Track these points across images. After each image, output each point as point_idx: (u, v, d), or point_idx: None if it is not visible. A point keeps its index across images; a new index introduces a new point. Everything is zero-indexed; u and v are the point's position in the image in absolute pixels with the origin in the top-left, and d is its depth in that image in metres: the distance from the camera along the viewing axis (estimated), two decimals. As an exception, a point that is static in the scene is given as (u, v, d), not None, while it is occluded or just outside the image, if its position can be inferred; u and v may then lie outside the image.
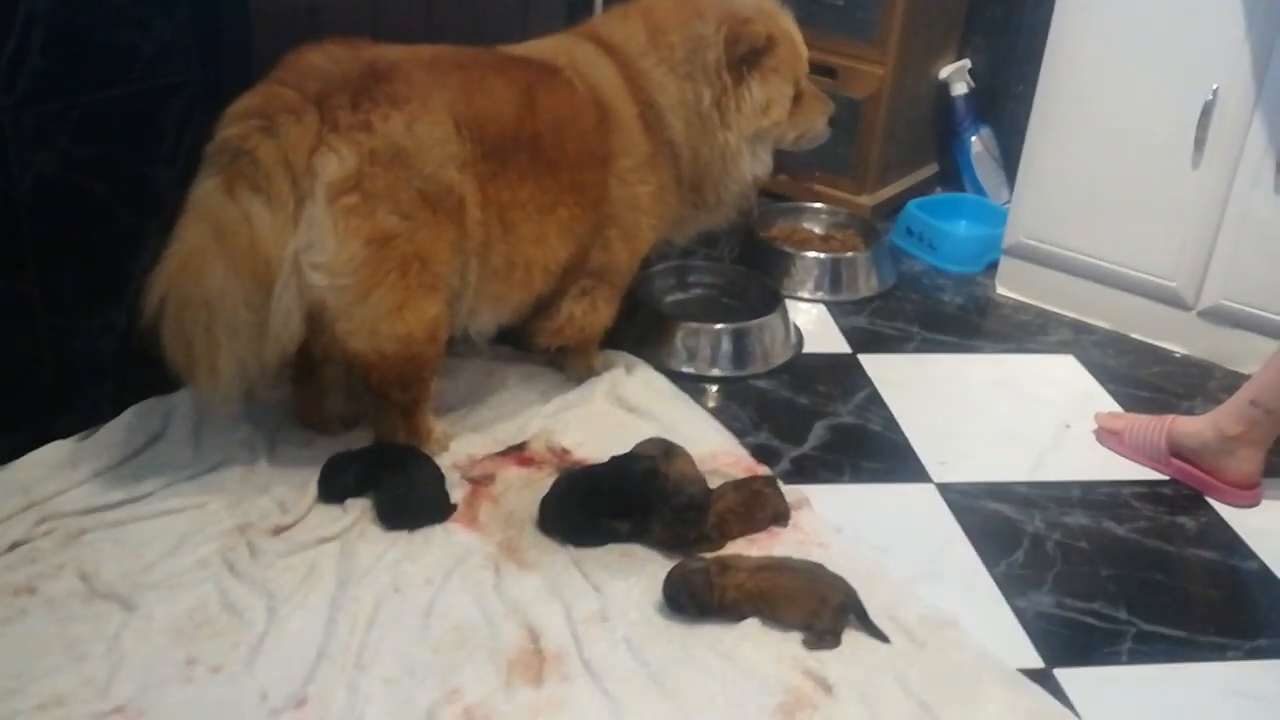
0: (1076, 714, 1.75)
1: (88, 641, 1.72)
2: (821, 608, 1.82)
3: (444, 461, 2.17)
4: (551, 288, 2.31)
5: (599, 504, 2.02)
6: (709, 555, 1.94)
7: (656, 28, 2.32)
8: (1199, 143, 2.61)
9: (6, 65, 1.87)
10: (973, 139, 3.36)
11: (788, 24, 2.41)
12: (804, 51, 2.43)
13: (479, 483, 2.14)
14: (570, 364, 2.48)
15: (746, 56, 2.31)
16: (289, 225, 1.90)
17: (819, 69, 3.20)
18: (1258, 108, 2.54)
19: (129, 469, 2.08)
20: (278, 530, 1.98)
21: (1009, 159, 3.36)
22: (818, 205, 3.21)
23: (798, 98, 2.42)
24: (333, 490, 2.06)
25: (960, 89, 3.37)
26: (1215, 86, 2.57)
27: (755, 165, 2.42)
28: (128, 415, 2.19)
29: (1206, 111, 2.58)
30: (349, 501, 2.04)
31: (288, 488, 2.07)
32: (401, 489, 2.03)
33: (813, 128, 2.49)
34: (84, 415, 2.16)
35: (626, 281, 2.46)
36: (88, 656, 1.69)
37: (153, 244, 2.13)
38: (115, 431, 2.15)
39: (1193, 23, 2.56)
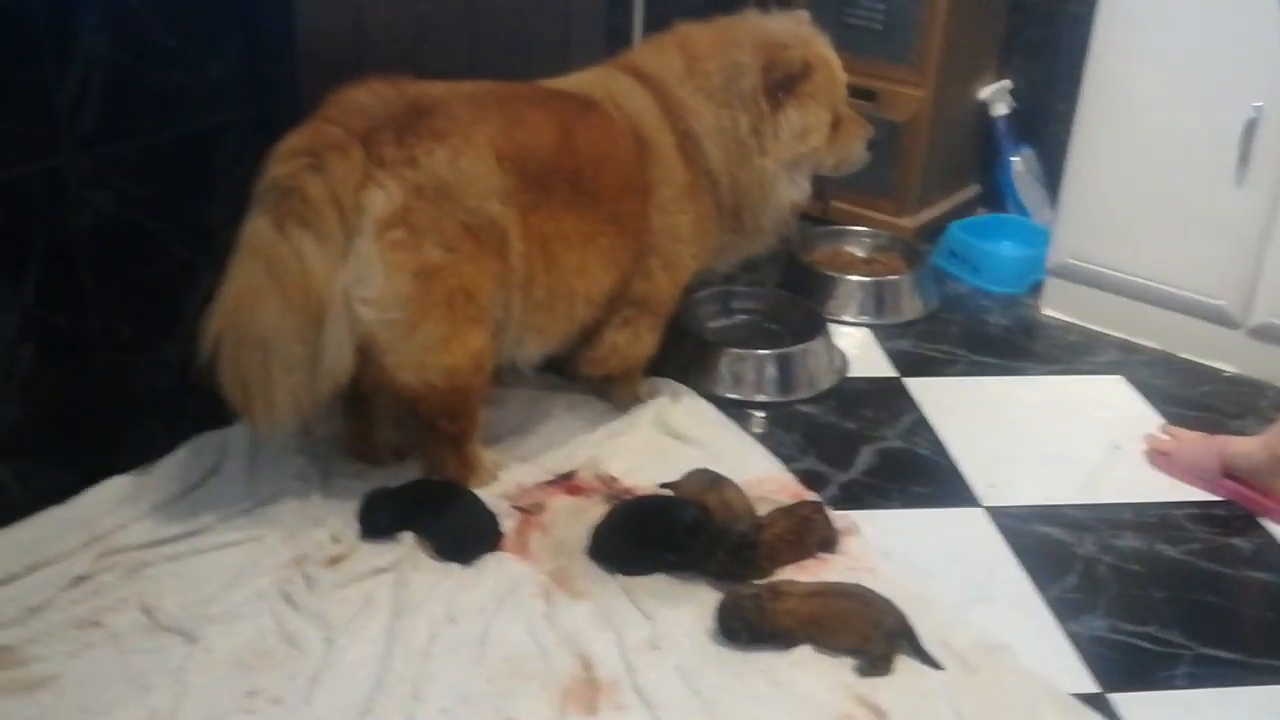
0: (1133, 739, 1.75)
1: (152, 674, 1.76)
2: (874, 633, 1.83)
3: (493, 491, 2.20)
4: (595, 317, 2.33)
5: (647, 538, 2.03)
6: (760, 582, 1.96)
7: (693, 56, 2.34)
8: (1243, 159, 2.61)
9: (66, 110, 1.92)
10: (1014, 159, 3.36)
11: (824, 49, 2.42)
12: (842, 77, 2.44)
13: (529, 512, 2.16)
14: (615, 392, 2.50)
15: (783, 83, 2.31)
16: (338, 260, 1.93)
17: (858, 93, 3.21)
18: (1303, 124, 2.54)
19: (186, 503, 2.12)
20: (333, 561, 2.01)
21: (1051, 179, 3.35)
22: (860, 228, 3.21)
23: (836, 123, 2.42)
24: (374, 526, 2.07)
25: (1001, 109, 3.37)
26: (1259, 103, 2.56)
27: (793, 191, 2.43)
28: (184, 450, 2.23)
29: (1249, 128, 2.58)
30: (401, 534, 2.07)
31: (341, 520, 2.09)
32: (454, 523, 2.05)
33: (851, 153, 2.49)
34: (141, 450, 2.20)
35: (669, 310, 2.48)
36: (152, 688, 1.73)
37: (206, 279, 2.17)
38: (172, 466, 2.19)
39: (1234, 40, 2.56)
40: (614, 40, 2.79)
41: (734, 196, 2.39)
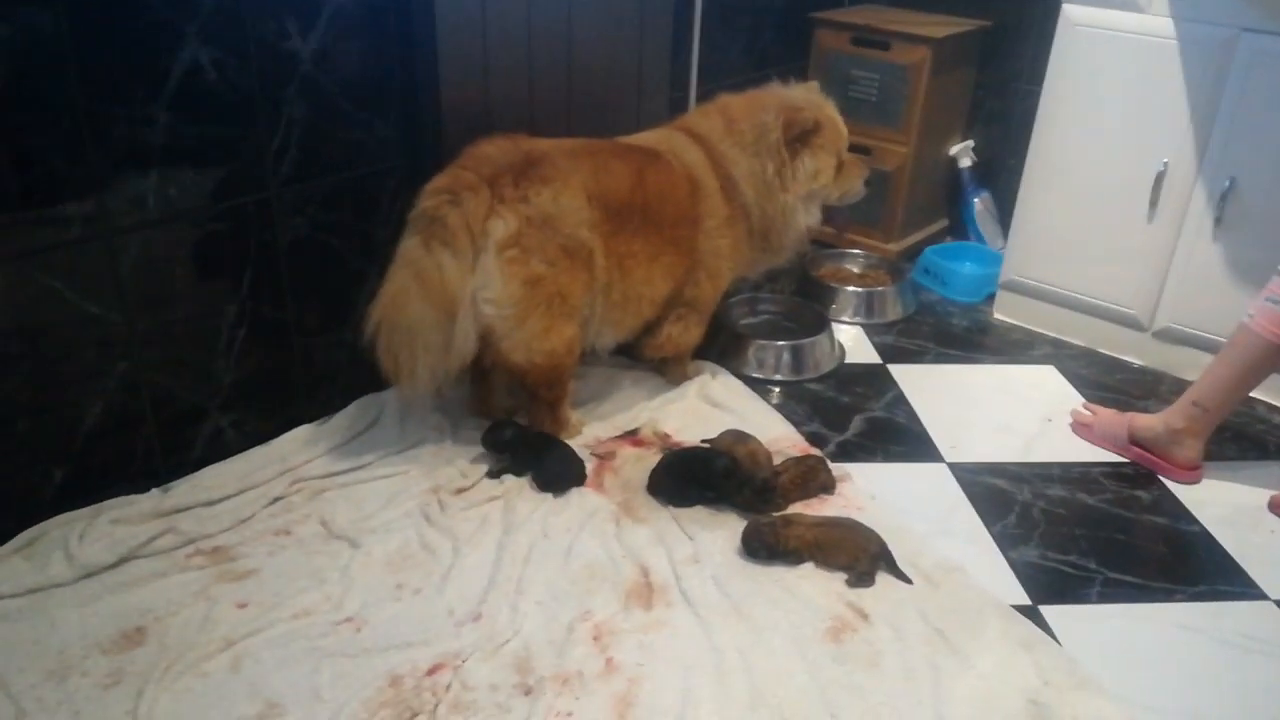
0: (1058, 641, 1.72)
1: (327, 570, 1.79)
2: (861, 555, 1.82)
3: (577, 441, 2.20)
4: (655, 315, 2.33)
5: (690, 479, 2.03)
6: (776, 514, 1.95)
7: (730, 119, 2.32)
8: (1153, 203, 2.53)
9: (274, 157, 1.95)
10: (975, 200, 3.29)
11: (831, 111, 2.39)
12: (844, 130, 2.41)
13: (603, 458, 2.16)
14: (669, 371, 2.49)
15: (799, 136, 2.30)
16: (469, 271, 1.95)
17: (857, 148, 3.17)
18: (1199, 176, 2.46)
19: (353, 445, 2.14)
20: (459, 491, 2.02)
21: (1004, 215, 3.28)
22: (856, 251, 3.17)
23: (840, 165, 2.40)
24: (494, 442, 2.08)
25: (965, 162, 3.30)
26: (1166, 160, 2.49)
27: (808, 218, 2.40)
28: (352, 407, 2.25)
29: (1159, 179, 2.51)
30: (505, 478, 2.07)
31: (467, 460, 2.11)
32: (557, 464, 2.06)
33: (852, 188, 2.46)
34: (321, 406, 2.24)
35: (712, 309, 2.46)
36: (327, 580, 1.76)
37: (372, 283, 2.20)
38: (344, 418, 2.22)
39: (1148, 111, 2.48)
40: (675, 108, 2.78)
41: (763, 223, 2.37)
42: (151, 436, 1.95)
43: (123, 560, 1.76)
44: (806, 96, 2.38)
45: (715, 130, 2.31)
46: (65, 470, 1.84)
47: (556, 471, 2.05)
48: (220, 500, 1.93)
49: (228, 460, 2.06)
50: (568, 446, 2.13)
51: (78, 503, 1.86)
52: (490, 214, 1.96)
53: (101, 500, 1.88)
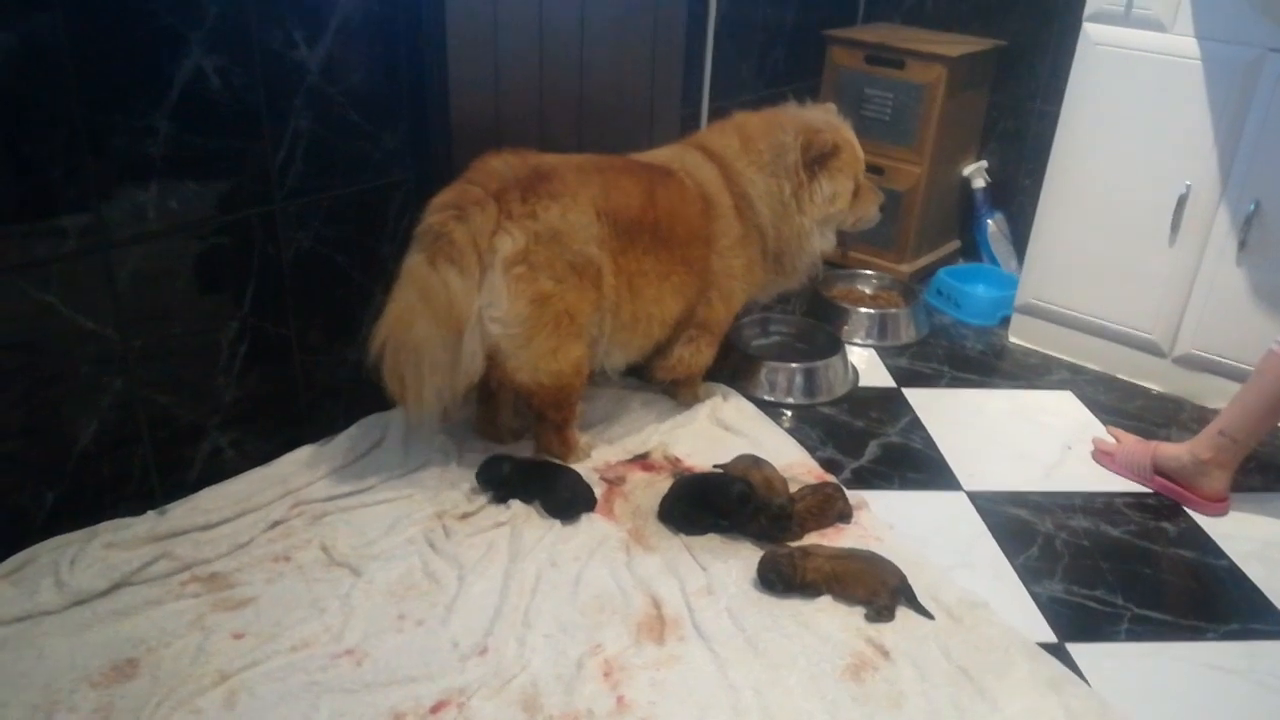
0: (1086, 682, 1.64)
1: (327, 598, 1.72)
2: (881, 589, 1.75)
3: (585, 466, 2.13)
4: (667, 336, 2.26)
5: (703, 506, 1.96)
6: (792, 544, 1.88)
7: (748, 137, 2.26)
8: (1175, 226, 2.48)
9: (279, 169, 1.90)
10: (989, 222, 3.23)
11: (849, 134, 2.34)
12: (861, 155, 2.36)
13: (613, 483, 2.09)
14: (680, 393, 2.42)
15: (818, 159, 2.24)
16: (475, 288, 1.89)
17: (870, 168, 3.11)
18: (1222, 200, 2.40)
19: (356, 467, 2.07)
20: (465, 516, 1.95)
21: (1017, 237, 3.23)
22: (868, 271, 3.11)
23: (856, 191, 2.34)
24: (489, 479, 2.01)
25: (979, 183, 3.24)
26: (1188, 182, 2.43)
27: (823, 242, 2.35)
28: (355, 427, 2.19)
29: (1181, 202, 2.45)
30: (512, 502, 1.99)
31: (472, 484, 2.04)
32: (567, 489, 1.99)
33: (867, 214, 2.40)
34: (323, 426, 2.17)
35: (724, 331, 2.40)
36: (327, 610, 1.69)
37: (377, 300, 2.14)
38: (346, 439, 2.15)
39: (1170, 132, 2.43)
40: (686, 125, 2.73)
41: (777, 245, 2.31)
42: (148, 457, 1.88)
43: (115, 587, 1.69)
44: (825, 118, 2.32)
45: (731, 148, 2.25)
46: (57, 492, 1.77)
47: (567, 498, 1.98)
48: (218, 524, 1.86)
49: (226, 482, 1.99)
50: (574, 471, 2.06)
51: (70, 526, 1.79)
52: (497, 230, 1.90)
53: (95, 523, 1.81)
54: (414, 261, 1.91)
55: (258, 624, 1.65)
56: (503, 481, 2.00)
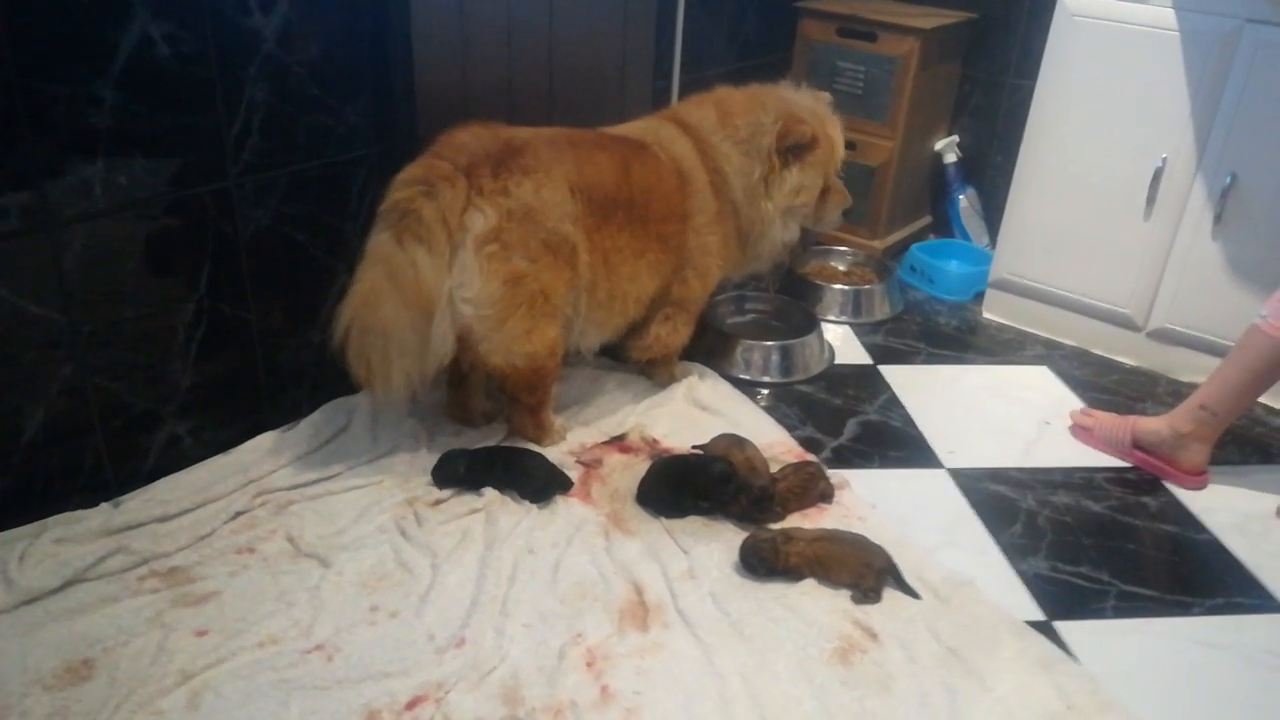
0: (1076, 659, 1.62)
1: (295, 591, 1.65)
2: (866, 571, 1.71)
3: (561, 449, 2.08)
4: (642, 315, 2.21)
5: (684, 487, 1.91)
6: (774, 527, 1.83)
7: (726, 112, 2.19)
8: (1150, 200, 2.46)
9: (234, 143, 1.80)
10: (960, 197, 3.20)
11: (834, 130, 2.26)
12: (841, 154, 2.29)
13: (590, 466, 2.03)
14: (656, 373, 2.37)
15: (793, 148, 2.17)
16: (445, 268, 1.82)
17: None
18: (1198, 173, 2.38)
19: (322, 454, 1.99)
20: (437, 503, 1.89)
21: (989, 212, 3.21)
22: (842, 248, 3.07)
23: (826, 190, 2.27)
24: (444, 477, 1.93)
25: (950, 158, 3.21)
26: (1164, 155, 2.41)
27: (784, 233, 2.28)
28: (320, 412, 2.10)
29: (1157, 176, 2.43)
30: (485, 490, 1.91)
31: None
32: (538, 474, 1.92)
33: (829, 216, 2.33)
34: (286, 411, 2.09)
35: (700, 309, 2.34)
36: (295, 604, 1.62)
37: (340, 280, 2.06)
38: (311, 425, 2.07)
39: (1147, 105, 2.41)
40: (658, 97, 2.66)
41: (747, 225, 2.26)
42: (100, 446, 1.78)
43: (68, 584, 1.60)
44: (813, 107, 2.24)
45: (708, 122, 2.19)
46: (4, 483, 1.68)
47: (541, 481, 1.91)
48: (176, 515, 1.78)
49: (184, 471, 1.90)
50: (538, 454, 2.00)
51: (18, 520, 1.70)
52: (468, 206, 1.83)
53: (44, 516, 1.72)
54: (380, 240, 1.83)
55: (221, 620, 1.58)
56: (459, 480, 1.93)
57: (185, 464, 1.92)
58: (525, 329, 1.91)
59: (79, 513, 1.74)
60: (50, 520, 1.72)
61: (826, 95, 2.32)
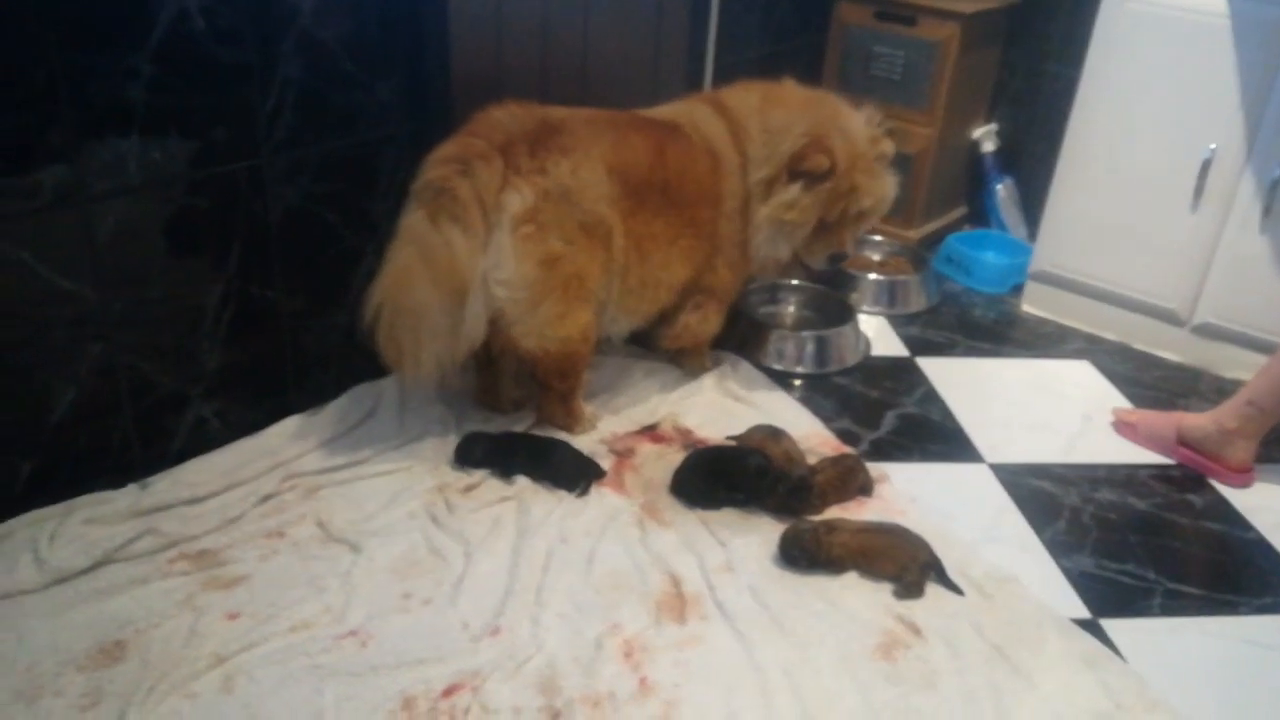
0: (1122, 657, 1.62)
1: (326, 577, 1.66)
2: (910, 564, 1.71)
3: (593, 437, 2.08)
4: (673, 303, 2.20)
5: (719, 479, 1.90)
6: (815, 519, 1.83)
7: (770, 101, 2.13)
8: (1198, 191, 2.44)
9: (266, 120, 1.80)
10: (998, 186, 3.19)
11: (865, 177, 2.11)
12: (868, 205, 2.13)
13: (622, 455, 2.04)
14: (686, 362, 2.36)
15: (802, 171, 2.06)
16: (480, 249, 1.82)
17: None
18: (1248, 164, 2.37)
19: (350, 438, 2.00)
20: (468, 489, 1.89)
21: (1027, 203, 3.20)
22: (877, 237, 3.05)
23: (824, 225, 2.14)
24: (462, 458, 1.93)
25: (989, 146, 3.19)
26: (1213, 146, 2.40)
27: (770, 248, 2.16)
28: (346, 396, 2.11)
29: (1205, 166, 2.41)
30: (517, 477, 1.92)
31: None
32: (571, 459, 1.93)
33: (816, 253, 2.21)
34: (313, 394, 2.09)
35: (732, 298, 2.33)
36: (327, 589, 1.63)
37: (369, 261, 2.07)
38: (338, 408, 2.08)
39: (1196, 95, 2.39)
40: (692, 80, 2.65)
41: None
42: (128, 426, 1.80)
43: (98, 564, 1.61)
44: (854, 137, 2.11)
45: (747, 105, 2.15)
46: (33, 463, 1.69)
47: (574, 468, 1.91)
48: (205, 498, 1.79)
49: (212, 453, 1.92)
50: (564, 442, 2.00)
51: (47, 499, 1.71)
52: (504, 186, 1.83)
53: (73, 497, 1.74)
54: (414, 219, 1.83)
55: (253, 604, 1.59)
56: (475, 463, 1.93)
57: (211, 446, 1.93)
58: (559, 312, 1.91)
59: (107, 493, 1.76)
60: (79, 500, 1.73)
61: (888, 145, 2.19)
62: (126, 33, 1.57)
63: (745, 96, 2.17)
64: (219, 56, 1.70)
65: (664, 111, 2.18)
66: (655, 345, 2.33)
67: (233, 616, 1.56)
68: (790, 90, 2.18)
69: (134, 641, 1.49)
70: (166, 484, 1.81)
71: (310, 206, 1.95)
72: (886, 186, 2.18)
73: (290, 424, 2.02)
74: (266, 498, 1.82)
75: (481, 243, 1.82)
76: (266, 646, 1.50)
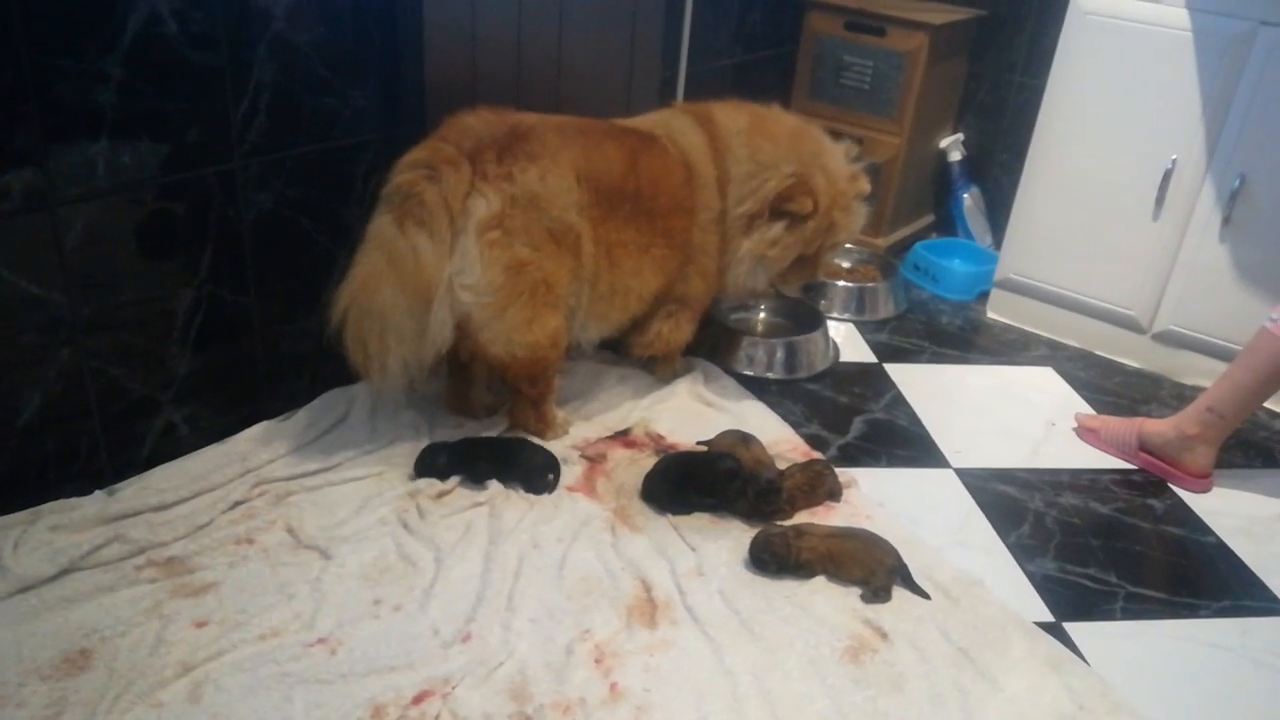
0: (1085, 660, 1.63)
1: (296, 583, 1.64)
2: (878, 568, 1.72)
3: (564, 442, 2.08)
4: (644, 311, 2.20)
5: (689, 484, 1.91)
6: (785, 523, 1.84)
7: (760, 128, 2.11)
8: (1159, 200, 2.48)
9: (239, 124, 1.79)
10: (965, 195, 3.22)
11: (844, 216, 2.16)
12: (844, 238, 2.22)
13: (594, 460, 2.04)
14: (659, 368, 2.36)
15: (785, 211, 2.08)
16: (446, 254, 1.81)
17: (851, 138, 3.09)
18: (1208, 174, 2.41)
19: (321, 444, 1.98)
20: (440, 495, 1.88)
21: (993, 211, 3.24)
22: (846, 245, 3.06)
23: (802, 258, 2.18)
24: (426, 469, 1.91)
25: (955, 155, 3.23)
26: (1174, 156, 2.44)
27: (749, 277, 2.19)
28: (317, 402, 2.09)
29: (1166, 177, 2.45)
30: (490, 483, 1.90)
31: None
32: (535, 456, 1.92)
33: (791, 282, 2.28)
34: (284, 400, 2.07)
35: (704, 307, 2.33)
36: (296, 596, 1.61)
37: (343, 267, 2.04)
38: (309, 414, 2.06)
39: (1158, 106, 2.43)
40: (665, 88, 2.65)
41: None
42: (96, 432, 1.77)
43: (64, 572, 1.59)
44: (835, 177, 2.13)
45: (736, 124, 2.13)
46: (-2, 469, 1.66)
47: (542, 463, 1.90)
48: (173, 504, 1.76)
49: (181, 459, 1.89)
50: (529, 442, 2.00)
51: (12, 506, 1.68)
52: (471, 191, 1.82)
53: (38, 503, 1.71)
54: (381, 223, 1.82)
55: (221, 611, 1.57)
56: (444, 471, 1.91)
57: (181, 452, 1.90)
58: (526, 318, 1.91)
59: (74, 500, 1.73)
60: (45, 507, 1.70)
61: (866, 184, 2.22)
62: (96, 35, 1.55)
63: (735, 116, 2.16)
64: (191, 60, 1.68)
65: (642, 121, 2.18)
66: (627, 352, 2.33)
67: (200, 624, 1.53)
68: (778, 120, 2.18)
69: (99, 650, 1.47)
70: (134, 490, 1.78)
71: (283, 211, 1.93)
72: (860, 221, 2.24)
73: (261, 430, 2.00)
74: (236, 504, 1.80)
75: (447, 248, 1.81)
76: (235, 654, 1.48)
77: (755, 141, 2.11)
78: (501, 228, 1.83)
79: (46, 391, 1.68)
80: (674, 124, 2.15)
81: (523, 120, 1.93)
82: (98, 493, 1.77)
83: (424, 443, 2.01)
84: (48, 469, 1.72)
